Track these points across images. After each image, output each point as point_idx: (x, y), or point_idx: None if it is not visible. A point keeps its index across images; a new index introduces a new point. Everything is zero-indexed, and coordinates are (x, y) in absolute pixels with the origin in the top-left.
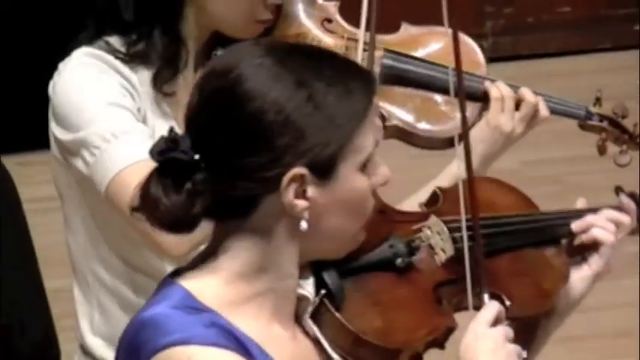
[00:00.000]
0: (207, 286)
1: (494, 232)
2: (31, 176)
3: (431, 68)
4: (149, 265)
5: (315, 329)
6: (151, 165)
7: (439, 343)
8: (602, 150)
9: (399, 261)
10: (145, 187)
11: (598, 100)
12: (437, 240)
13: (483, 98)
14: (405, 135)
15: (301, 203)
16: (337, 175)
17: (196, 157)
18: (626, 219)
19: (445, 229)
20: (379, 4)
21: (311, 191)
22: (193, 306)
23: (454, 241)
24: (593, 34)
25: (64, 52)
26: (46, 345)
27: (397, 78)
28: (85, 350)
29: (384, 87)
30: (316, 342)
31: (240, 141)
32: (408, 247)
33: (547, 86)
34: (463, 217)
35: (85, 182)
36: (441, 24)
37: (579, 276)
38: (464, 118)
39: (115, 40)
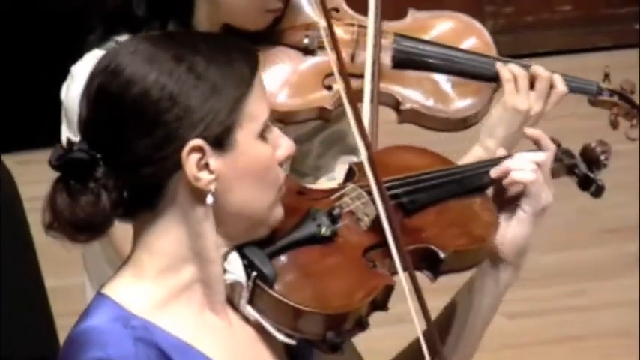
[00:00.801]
0: (133, 292)
1: (413, 189)
2: (31, 175)
3: (441, 50)
4: None
5: (254, 313)
6: None
7: (381, 303)
8: (614, 124)
9: (323, 230)
10: (52, 201)
11: (607, 76)
12: (357, 205)
13: (495, 79)
14: (420, 118)
15: (205, 176)
16: (236, 144)
17: (93, 153)
18: (541, 155)
19: (363, 193)
20: None
21: (213, 163)
22: (120, 316)
23: (374, 204)
24: (593, 33)
25: (73, 55)
26: (47, 343)
27: (409, 62)
28: None
29: (397, 71)
30: (258, 327)
31: (131, 126)
32: (329, 216)
33: None
34: (371, 178)
35: None
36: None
37: (517, 221)
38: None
39: (124, 39)
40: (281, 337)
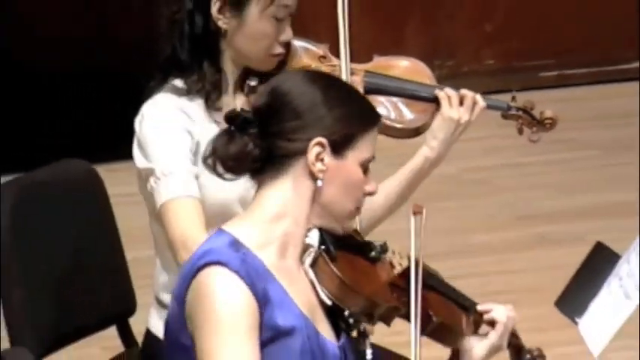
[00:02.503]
0: (245, 232)
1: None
2: (115, 179)
3: (398, 81)
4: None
5: (311, 273)
6: (177, 201)
7: (386, 317)
8: (520, 131)
9: (374, 253)
10: (215, 140)
11: (513, 98)
12: (397, 260)
13: (435, 100)
14: (386, 128)
15: (319, 166)
16: (345, 158)
17: (253, 117)
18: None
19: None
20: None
21: (327, 159)
22: (234, 244)
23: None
24: (508, 79)
25: (144, 94)
26: (126, 298)
27: (375, 90)
28: (159, 302)
29: (369, 96)
30: (310, 282)
31: (286, 111)
32: (382, 249)
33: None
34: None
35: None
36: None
37: (482, 343)
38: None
39: (177, 82)
40: (323, 296)
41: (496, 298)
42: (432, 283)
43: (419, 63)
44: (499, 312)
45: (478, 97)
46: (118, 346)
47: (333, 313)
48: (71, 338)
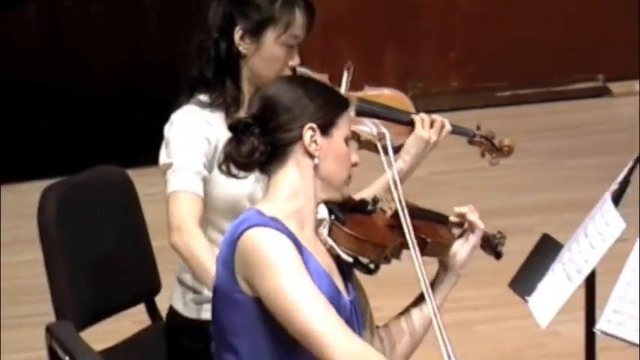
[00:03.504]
0: (268, 207)
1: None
2: (144, 181)
3: (383, 107)
4: (222, 228)
5: (330, 240)
6: (182, 193)
7: (395, 253)
8: (482, 155)
9: (369, 207)
10: (225, 147)
11: (479, 127)
12: (386, 205)
13: (412, 123)
14: (370, 145)
15: (313, 146)
16: (332, 136)
17: (253, 121)
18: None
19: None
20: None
21: (319, 140)
22: (263, 214)
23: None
24: (471, 98)
25: (173, 106)
26: (152, 280)
27: (365, 113)
28: (180, 282)
29: (358, 118)
30: (328, 249)
31: (278, 109)
32: (374, 202)
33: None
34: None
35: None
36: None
37: (465, 247)
38: None
39: (202, 97)
40: (344, 256)
41: (461, 278)
42: (415, 213)
43: (400, 93)
44: (473, 216)
45: (446, 121)
46: (145, 320)
47: (345, 272)
48: (106, 313)
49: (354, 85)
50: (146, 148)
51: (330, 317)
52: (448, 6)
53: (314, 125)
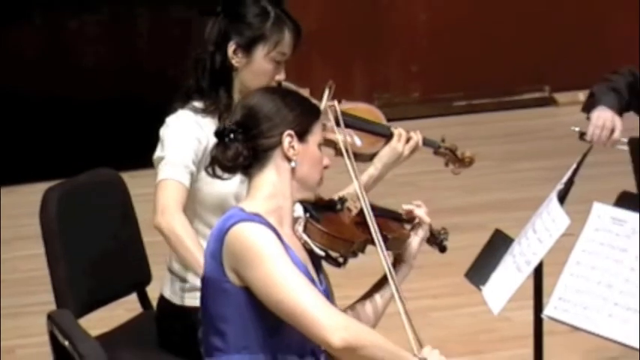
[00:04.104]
0: (250, 205)
1: (383, 212)
2: (136, 183)
3: (357, 118)
4: (209, 222)
5: (305, 236)
6: (170, 181)
7: (362, 249)
8: (446, 165)
9: (338, 206)
10: (212, 152)
11: (443, 140)
12: (351, 204)
13: (389, 135)
14: (359, 158)
15: (292, 150)
16: (308, 142)
17: (237, 128)
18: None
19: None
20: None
21: (296, 145)
22: (246, 212)
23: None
24: (431, 107)
25: (169, 110)
26: (144, 272)
27: (347, 125)
28: (171, 271)
29: (338, 128)
30: (302, 244)
31: (259, 118)
32: (342, 201)
33: None
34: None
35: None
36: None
37: (416, 239)
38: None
39: (196, 103)
40: (317, 250)
41: (420, 270)
42: (377, 212)
43: (373, 106)
44: (420, 212)
45: (420, 140)
46: (137, 308)
47: (317, 265)
48: (102, 302)
49: (318, 92)
50: (138, 152)
51: (315, 297)
52: (409, 24)
53: (292, 132)
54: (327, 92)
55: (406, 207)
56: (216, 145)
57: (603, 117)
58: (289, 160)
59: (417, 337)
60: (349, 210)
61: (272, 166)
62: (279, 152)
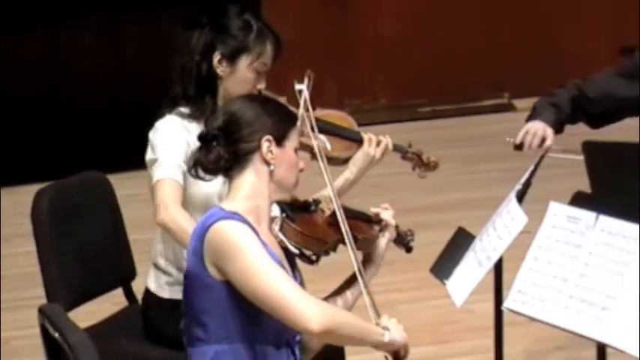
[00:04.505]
0: (230, 205)
1: (354, 213)
2: (121, 184)
3: (331, 124)
4: (195, 220)
5: (280, 235)
6: (167, 180)
7: (333, 248)
8: (414, 169)
9: (312, 208)
10: (195, 154)
11: (410, 146)
12: (325, 206)
13: (361, 140)
14: (332, 161)
15: (270, 155)
16: (285, 147)
17: (219, 132)
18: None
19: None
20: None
21: (274, 150)
22: (225, 211)
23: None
24: (399, 112)
25: (157, 115)
26: (129, 267)
27: (320, 131)
28: (155, 266)
29: (313, 133)
30: (278, 242)
31: (240, 124)
32: (316, 203)
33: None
34: (337, 205)
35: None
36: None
37: (383, 241)
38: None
39: (183, 109)
40: (292, 248)
41: (388, 266)
42: (348, 213)
43: (346, 114)
44: (387, 215)
45: (390, 143)
46: (123, 302)
47: (292, 262)
48: (90, 296)
49: (293, 98)
50: (124, 156)
51: (293, 287)
52: (377, 36)
53: (270, 138)
54: (306, 80)
55: (374, 210)
56: (199, 149)
57: (535, 127)
58: (267, 163)
59: (375, 307)
60: (322, 211)
61: (251, 169)
62: (258, 156)
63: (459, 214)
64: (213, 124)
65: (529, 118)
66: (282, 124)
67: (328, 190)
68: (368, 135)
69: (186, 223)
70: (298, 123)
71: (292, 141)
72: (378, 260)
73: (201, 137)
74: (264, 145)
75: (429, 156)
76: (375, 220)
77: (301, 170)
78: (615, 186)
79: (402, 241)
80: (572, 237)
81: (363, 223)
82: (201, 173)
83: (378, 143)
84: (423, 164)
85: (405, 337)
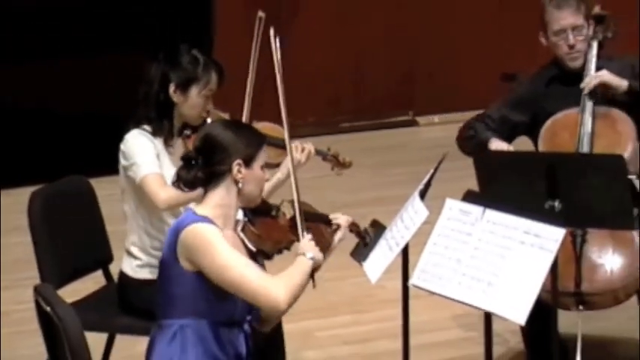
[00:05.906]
0: (202, 210)
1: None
2: (101, 187)
3: (271, 137)
4: (161, 219)
5: (242, 236)
6: (152, 175)
7: (288, 247)
8: (333, 169)
9: (274, 212)
10: (178, 172)
11: (329, 149)
12: (287, 209)
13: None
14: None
15: (240, 175)
16: (252, 167)
17: (197, 155)
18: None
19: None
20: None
21: (243, 171)
22: (197, 214)
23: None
24: (323, 128)
25: (124, 129)
26: (107, 254)
27: None
28: (128, 253)
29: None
30: (241, 241)
31: (215, 149)
32: (277, 208)
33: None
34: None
35: (131, 181)
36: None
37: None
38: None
39: (146, 127)
40: (251, 246)
41: None
42: (308, 216)
43: (276, 125)
44: (341, 219)
45: (312, 149)
46: (102, 282)
47: (254, 258)
48: (74, 277)
49: (236, 113)
50: (102, 163)
51: (258, 273)
52: (305, 64)
53: (241, 161)
54: (257, 23)
55: (332, 215)
56: (181, 167)
57: (502, 144)
58: (237, 182)
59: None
60: (284, 214)
61: (223, 186)
62: (230, 176)
63: (373, 209)
64: (194, 144)
65: (476, 144)
66: (251, 148)
67: (293, 195)
68: (295, 143)
69: (182, 195)
70: (264, 145)
71: (259, 161)
72: (328, 253)
73: (183, 158)
74: (235, 168)
75: (345, 157)
76: (330, 221)
77: (266, 180)
78: (497, 186)
79: (361, 236)
80: (464, 227)
81: (322, 225)
82: (181, 186)
83: (303, 149)
84: (339, 164)
85: (315, 247)
